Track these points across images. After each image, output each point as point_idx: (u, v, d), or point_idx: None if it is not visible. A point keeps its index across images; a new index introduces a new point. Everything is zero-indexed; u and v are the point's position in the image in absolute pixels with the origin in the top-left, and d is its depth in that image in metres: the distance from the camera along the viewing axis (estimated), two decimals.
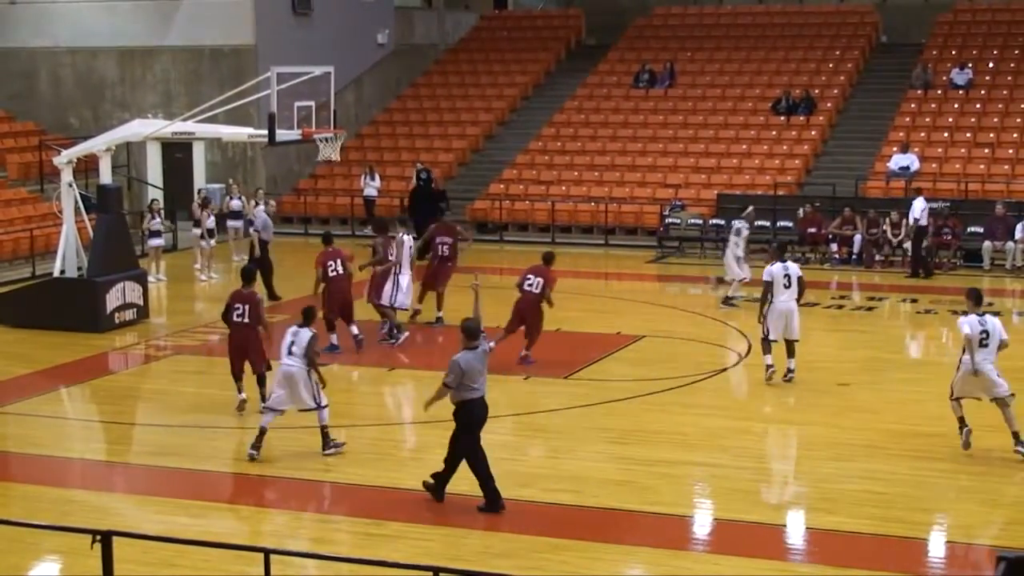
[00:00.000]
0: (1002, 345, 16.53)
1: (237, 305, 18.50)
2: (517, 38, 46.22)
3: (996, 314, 17.57)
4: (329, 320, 22.09)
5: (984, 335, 16.37)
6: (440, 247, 24.72)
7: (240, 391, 18.71)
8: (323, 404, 16.53)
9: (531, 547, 13.71)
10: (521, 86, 43.16)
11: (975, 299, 16.83)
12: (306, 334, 16.37)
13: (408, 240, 23.17)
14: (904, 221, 30.93)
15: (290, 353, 16.40)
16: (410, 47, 44.72)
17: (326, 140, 24.47)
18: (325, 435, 16.63)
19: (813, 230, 32.09)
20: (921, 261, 30.11)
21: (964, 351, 16.42)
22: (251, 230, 28.16)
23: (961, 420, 16.72)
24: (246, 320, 18.40)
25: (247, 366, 18.57)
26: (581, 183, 37.42)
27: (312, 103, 24.63)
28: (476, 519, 14.63)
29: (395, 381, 20.94)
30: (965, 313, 16.69)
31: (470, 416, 14.77)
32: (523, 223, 36.72)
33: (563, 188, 37.34)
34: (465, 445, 14.76)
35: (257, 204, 31.77)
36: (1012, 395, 16.48)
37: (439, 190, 35.24)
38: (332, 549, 13.78)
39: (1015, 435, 16.49)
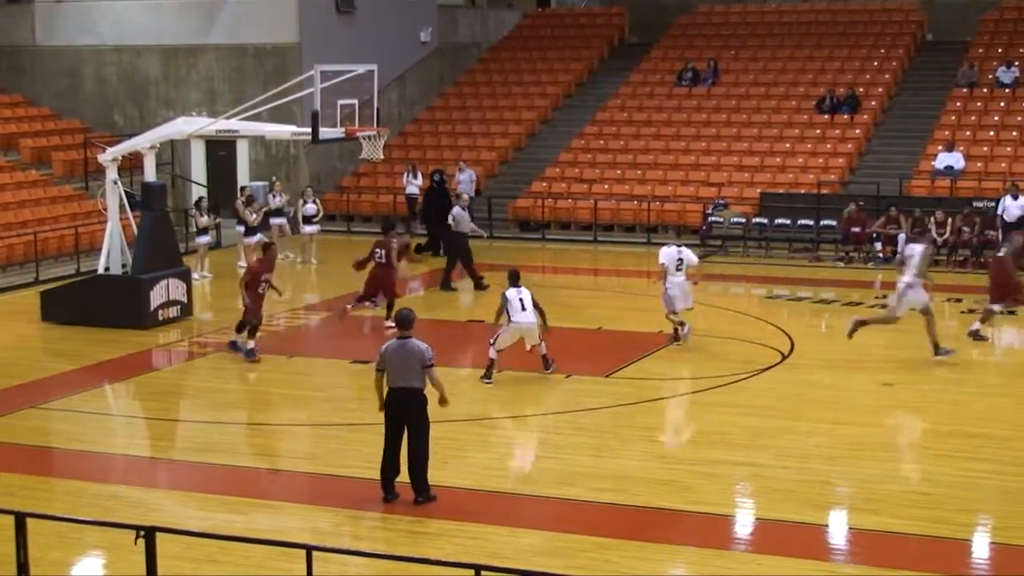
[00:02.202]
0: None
1: (377, 249, 24.14)
2: (560, 36, 46.16)
3: None
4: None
5: (679, 262, 22.17)
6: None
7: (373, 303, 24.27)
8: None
9: (574, 546, 13.69)
10: (564, 84, 43.12)
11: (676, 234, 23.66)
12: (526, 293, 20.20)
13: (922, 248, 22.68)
14: (949, 220, 30.98)
15: (524, 309, 20.00)
16: (453, 45, 44.74)
17: (369, 138, 24.52)
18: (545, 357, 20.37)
19: (857, 229, 31.91)
20: None
21: (663, 276, 22.26)
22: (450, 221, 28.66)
23: (681, 324, 22.37)
24: (383, 261, 24.08)
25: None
26: (624, 181, 37.35)
27: (355, 101, 24.71)
28: (518, 517, 14.61)
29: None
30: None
31: (386, 405, 14.92)
32: (565, 221, 36.67)
33: (606, 186, 37.28)
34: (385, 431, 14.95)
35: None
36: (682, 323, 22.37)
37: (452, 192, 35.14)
38: (374, 547, 13.81)
39: (676, 330, 22.48)
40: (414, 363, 14.75)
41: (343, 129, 24.16)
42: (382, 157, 26.32)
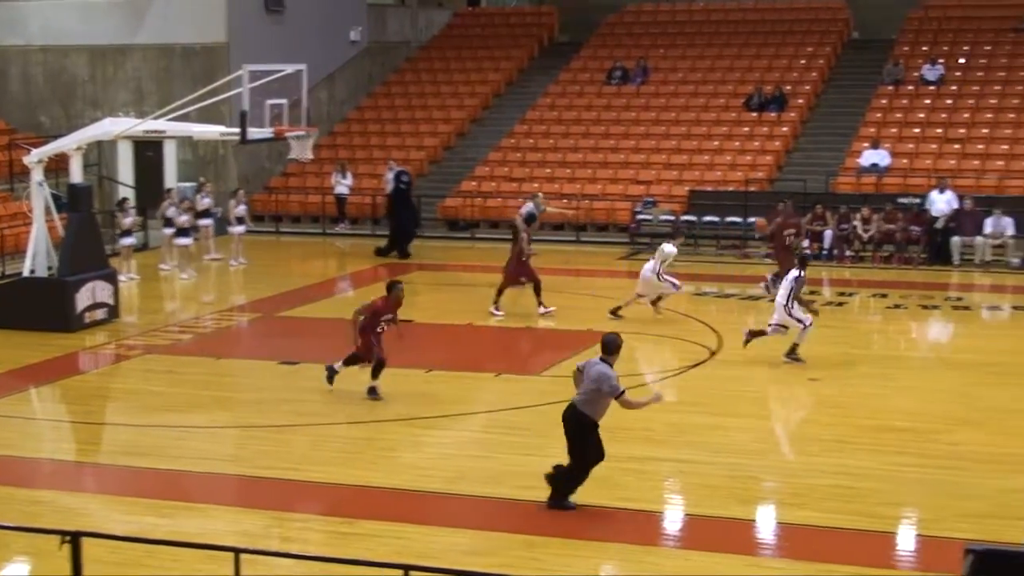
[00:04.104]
0: None
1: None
2: (490, 35, 46.21)
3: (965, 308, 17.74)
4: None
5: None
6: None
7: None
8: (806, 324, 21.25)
9: (503, 544, 13.71)
10: (494, 83, 43.15)
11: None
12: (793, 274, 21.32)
13: None
14: (875, 216, 31.41)
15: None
16: (383, 44, 44.66)
17: (298, 138, 24.45)
18: (794, 347, 21.24)
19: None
20: (937, 250, 31.09)
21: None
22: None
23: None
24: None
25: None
26: (553, 180, 37.41)
27: (284, 101, 24.61)
28: (447, 517, 14.62)
29: (365, 379, 20.79)
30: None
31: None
32: (495, 220, 36.68)
33: (535, 185, 37.21)
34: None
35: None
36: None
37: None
38: (303, 548, 13.75)
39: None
40: (593, 386, 14.52)
41: (272, 129, 24.06)
42: (311, 157, 26.29)
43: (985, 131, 36.35)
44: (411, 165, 38.46)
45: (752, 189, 34.88)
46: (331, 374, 19.57)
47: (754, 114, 38.63)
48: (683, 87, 40.55)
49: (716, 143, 37.87)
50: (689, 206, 34.79)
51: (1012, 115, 36.82)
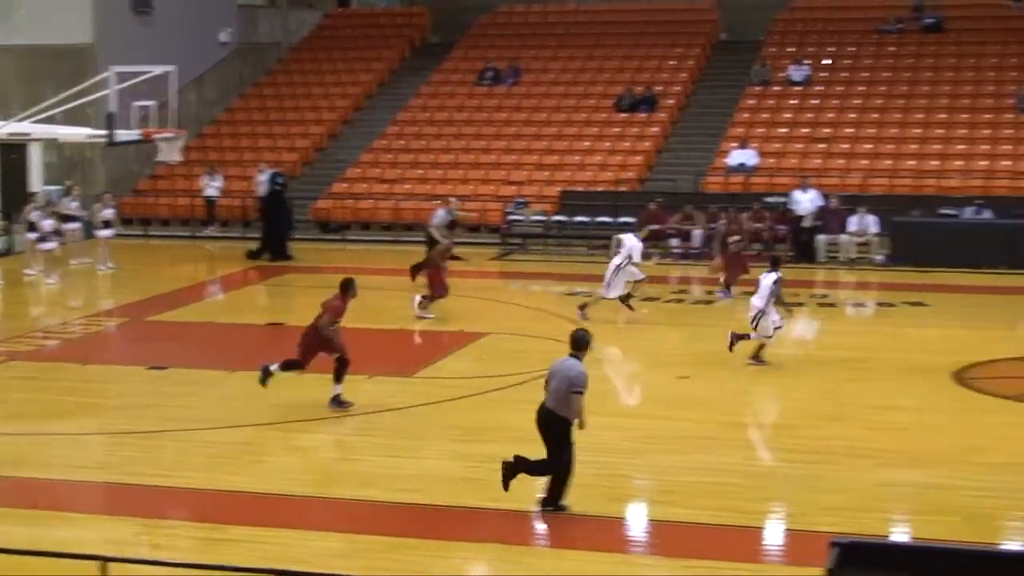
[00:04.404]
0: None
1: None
2: (361, 36, 46.07)
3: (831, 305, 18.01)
4: None
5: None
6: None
7: None
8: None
9: (374, 547, 13.66)
10: (365, 84, 43.03)
11: None
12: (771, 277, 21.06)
13: None
14: (741, 216, 31.85)
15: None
16: (253, 45, 44.34)
17: (167, 140, 24.22)
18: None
19: (655, 226, 32.43)
20: (803, 248, 31.67)
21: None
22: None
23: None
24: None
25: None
26: (425, 181, 37.42)
27: (153, 103, 24.38)
28: (318, 520, 14.55)
29: (235, 383, 20.63)
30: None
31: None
32: (366, 222, 36.60)
33: (407, 186, 37.31)
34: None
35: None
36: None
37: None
38: (173, 555, 13.59)
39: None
40: (563, 384, 14.54)
41: (140, 131, 23.81)
42: (180, 159, 26.05)
43: (850, 131, 37.03)
44: (283, 167, 38.19)
45: (623, 189, 35.16)
46: (339, 403, 18.78)
47: (624, 115, 38.95)
48: (554, 88, 40.76)
49: (587, 144, 38.11)
50: (560, 206, 34.99)
51: (876, 115, 37.56)
